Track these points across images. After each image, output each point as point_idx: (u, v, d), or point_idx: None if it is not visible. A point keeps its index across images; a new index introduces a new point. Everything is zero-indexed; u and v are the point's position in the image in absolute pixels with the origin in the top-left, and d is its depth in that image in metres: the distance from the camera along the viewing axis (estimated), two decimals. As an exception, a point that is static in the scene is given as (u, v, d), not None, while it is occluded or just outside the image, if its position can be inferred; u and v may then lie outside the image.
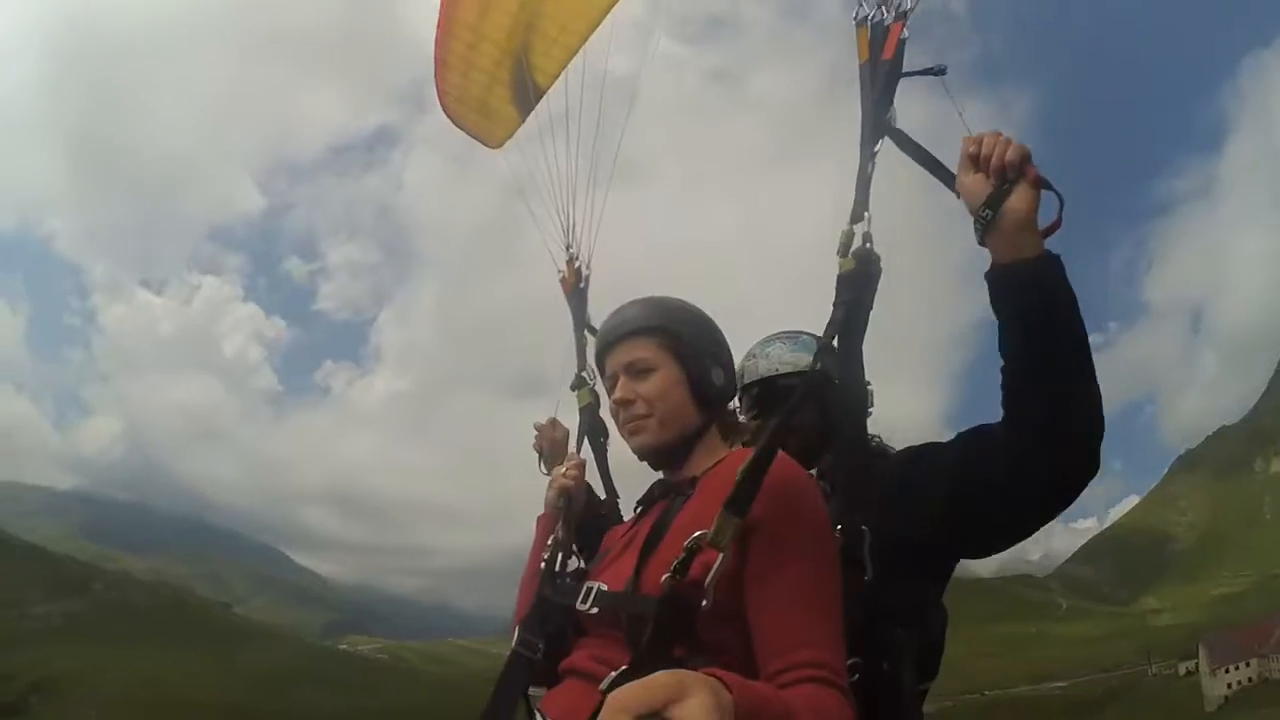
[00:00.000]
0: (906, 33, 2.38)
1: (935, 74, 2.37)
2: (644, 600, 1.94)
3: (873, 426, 2.61)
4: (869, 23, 2.44)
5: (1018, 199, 1.98)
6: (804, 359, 2.74)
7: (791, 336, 2.90)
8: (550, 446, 3.14)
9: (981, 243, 2.05)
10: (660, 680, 1.22)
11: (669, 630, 1.82)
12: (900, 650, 2.17)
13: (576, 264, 3.51)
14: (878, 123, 2.35)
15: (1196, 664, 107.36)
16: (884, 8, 2.41)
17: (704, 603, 1.80)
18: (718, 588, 1.82)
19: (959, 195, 2.19)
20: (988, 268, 2.05)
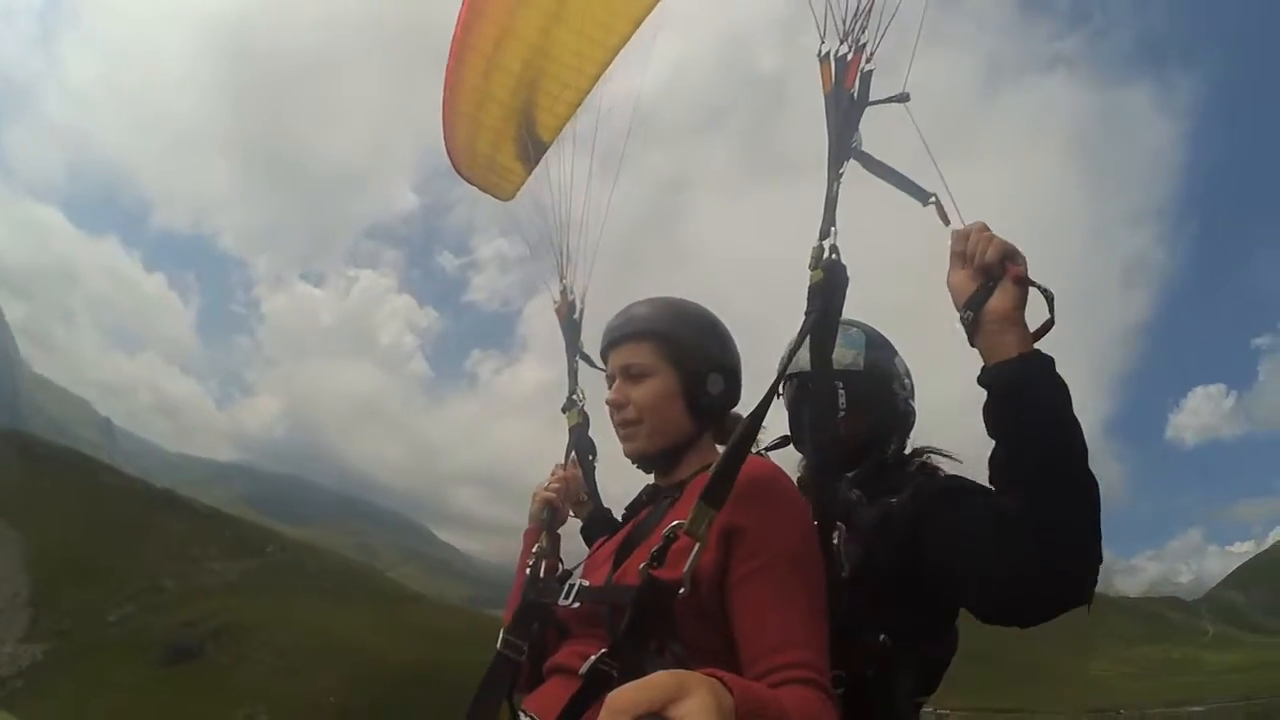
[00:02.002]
0: (872, 65, 2.49)
1: (898, 101, 2.47)
2: (623, 590, 2.02)
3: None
4: (832, 58, 2.55)
5: (998, 298, 1.99)
6: (849, 355, 2.75)
7: (851, 335, 2.85)
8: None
9: (971, 344, 2.05)
10: (660, 680, 1.21)
11: (647, 616, 1.88)
12: (887, 658, 2.23)
13: (570, 296, 3.59)
14: (842, 147, 2.44)
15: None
16: (844, 44, 2.52)
17: (681, 590, 1.85)
18: (700, 586, 1.89)
19: (924, 204, 2.33)
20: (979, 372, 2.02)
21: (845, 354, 2.73)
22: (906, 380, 2.87)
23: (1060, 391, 1.91)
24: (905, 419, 2.84)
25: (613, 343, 2.46)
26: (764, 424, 2.28)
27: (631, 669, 1.76)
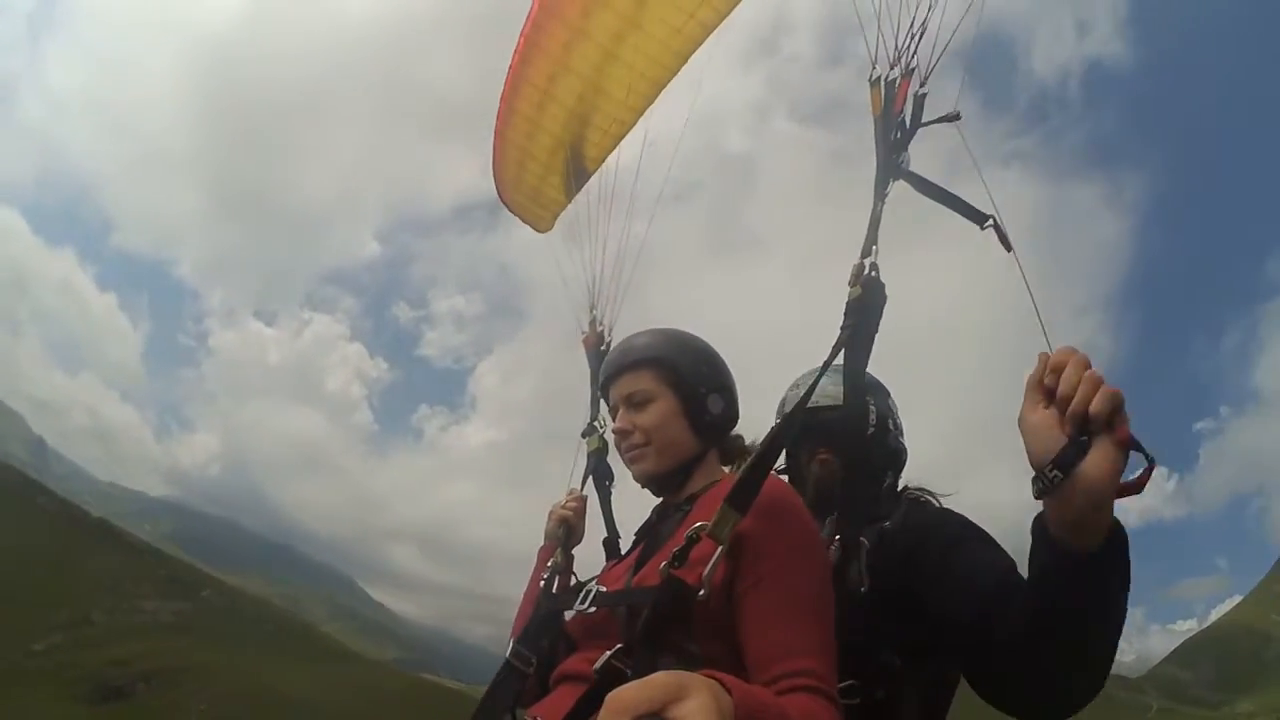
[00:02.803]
0: (925, 89, 2.58)
1: (950, 120, 2.55)
2: (642, 592, 2.05)
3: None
4: (883, 82, 2.65)
5: (1098, 463, 1.61)
6: (838, 392, 2.65)
7: (837, 369, 2.74)
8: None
9: (1038, 498, 1.71)
10: (660, 680, 1.21)
11: (665, 616, 1.87)
12: (897, 679, 2.27)
13: (600, 327, 3.61)
14: (889, 167, 2.51)
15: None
16: (895, 68, 2.62)
17: (700, 592, 1.86)
18: (712, 596, 1.88)
19: (982, 227, 2.33)
20: (1039, 522, 1.77)
21: (839, 390, 2.60)
22: (898, 420, 2.93)
23: (1129, 573, 1.73)
24: (897, 456, 2.88)
25: (612, 376, 2.54)
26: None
27: (645, 668, 1.74)
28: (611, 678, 1.82)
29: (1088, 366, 1.66)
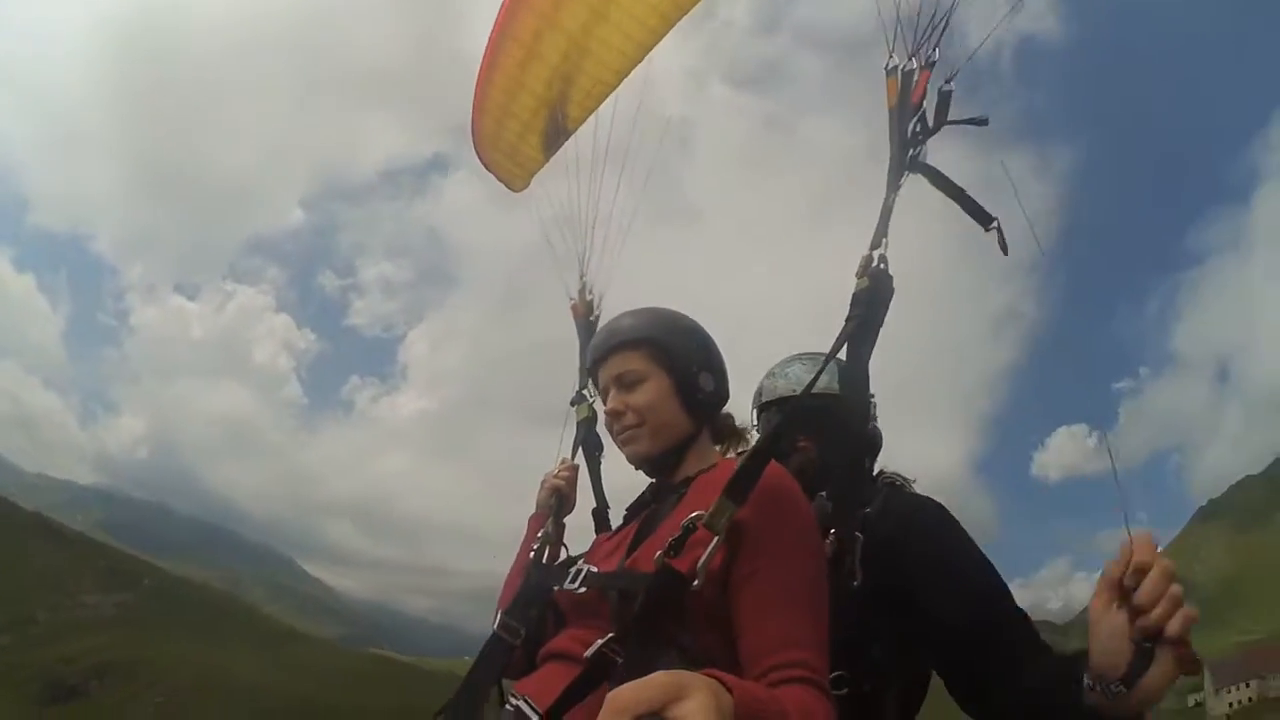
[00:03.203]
0: (952, 85, 2.52)
1: (978, 124, 2.49)
2: (635, 576, 2.01)
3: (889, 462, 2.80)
4: (899, 72, 2.58)
5: (1159, 679, 1.65)
6: (823, 380, 2.59)
7: (813, 357, 2.92)
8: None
9: (1088, 696, 1.77)
10: (660, 680, 1.21)
11: (659, 605, 1.86)
12: (884, 673, 2.29)
13: (589, 296, 3.54)
14: (903, 161, 2.46)
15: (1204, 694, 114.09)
16: (913, 59, 2.55)
17: (695, 582, 1.84)
18: (706, 583, 1.86)
19: (986, 229, 2.35)
20: (1076, 684, 1.79)
21: (821, 380, 2.60)
22: (874, 404, 2.83)
23: None
24: (875, 441, 2.85)
25: (601, 357, 2.47)
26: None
27: (638, 658, 1.78)
28: (603, 664, 1.83)
29: (1172, 578, 1.64)
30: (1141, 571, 1.65)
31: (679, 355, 2.38)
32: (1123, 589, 1.68)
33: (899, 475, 2.68)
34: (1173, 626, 1.60)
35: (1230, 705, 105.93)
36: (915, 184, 2.48)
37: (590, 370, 2.59)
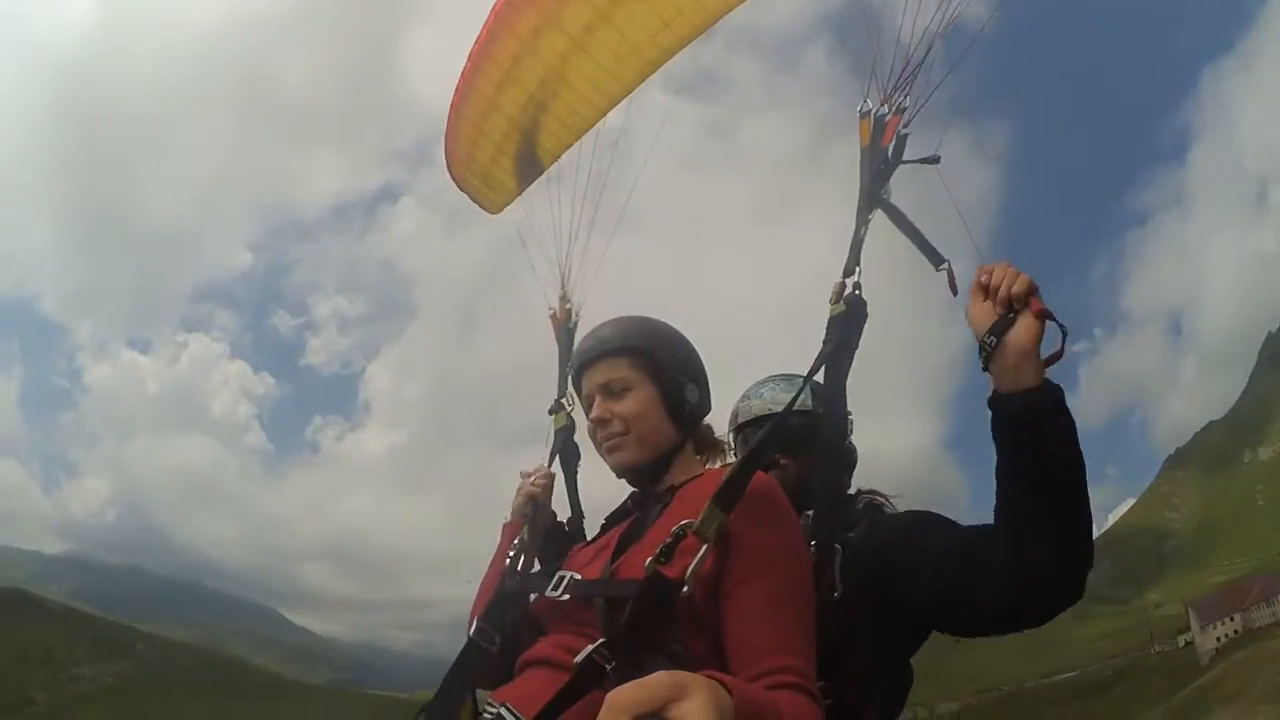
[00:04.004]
0: (909, 129, 2.68)
1: (930, 163, 2.65)
2: (623, 584, 2.00)
3: (867, 475, 2.83)
4: (871, 115, 2.73)
5: (1020, 329, 2.02)
6: (784, 399, 2.81)
7: (785, 378, 3.01)
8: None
9: (985, 369, 2.09)
10: (660, 680, 1.22)
11: (649, 613, 1.85)
12: (865, 685, 2.31)
13: (568, 305, 3.56)
14: (873, 197, 2.61)
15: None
16: (886, 105, 2.71)
17: (684, 589, 1.84)
18: (695, 590, 1.86)
19: (937, 269, 2.45)
20: (990, 395, 2.09)
21: (782, 399, 2.86)
22: (851, 424, 2.86)
23: (1070, 419, 2.04)
24: (850, 458, 2.88)
25: (586, 364, 2.46)
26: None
27: (628, 665, 1.76)
28: (592, 672, 1.81)
29: (1009, 265, 2.13)
30: (990, 271, 2.14)
31: (666, 365, 2.40)
32: (983, 288, 2.15)
33: (879, 493, 2.71)
34: (1016, 287, 2.06)
35: (1217, 640, 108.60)
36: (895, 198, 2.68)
37: (574, 377, 2.56)
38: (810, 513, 2.44)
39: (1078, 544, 2.02)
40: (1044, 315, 2.03)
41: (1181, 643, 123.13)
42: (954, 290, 2.38)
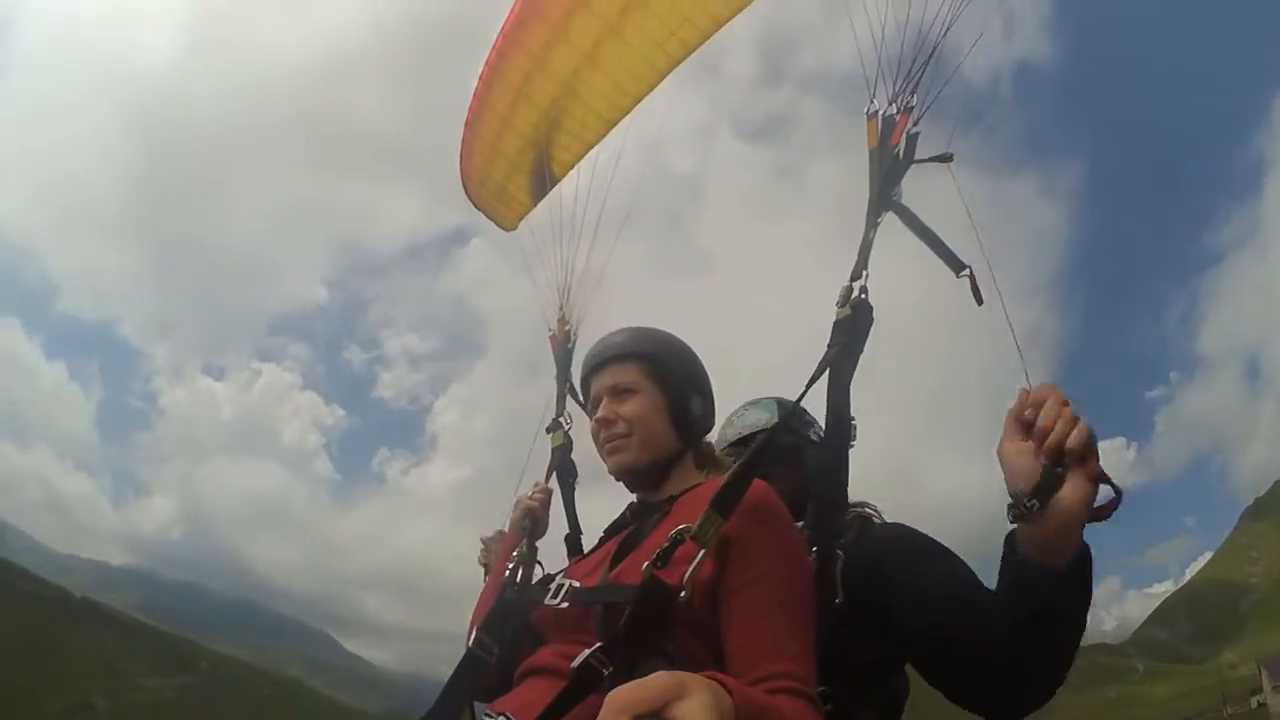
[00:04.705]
0: (919, 128, 2.63)
1: (943, 161, 2.59)
2: (621, 590, 2.00)
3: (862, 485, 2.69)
4: (879, 116, 2.70)
5: (1071, 493, 1.77)
6: (762, 418, 2.96)
7: (761, 401, 3.09)
8: (498, 554, 2.96)
9: (1013, 524, 1.87)
10: (660, 680, 1.23)
11: (646, 616, 1.84)
12: (863, 690, 2.31)
13: (567, 326, 3.63)
14: (882, 199, 2.57)
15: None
16: (893, 105, 2.68)
17: (682, 594, 1.84)
18: (694, 595, 1.86)
19: (958, 275, 2.38)
20: (1011, 542, 1.92)
21: (760, 417, 2.95)
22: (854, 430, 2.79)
23: (1091, 585, 1.88)
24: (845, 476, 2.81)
25: (596, 367, 2.51)
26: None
27: (626, 668, 1.77)
28: (589, 676, 1.80)
29: (1066, 403, 1.84)
30: (1039, 403, 1.86)
31: (673, 374, 2.45)
32: (1025, 424, 1.88)
33: (868, 505, 2.64)
34: (1072, 440, 1.77)
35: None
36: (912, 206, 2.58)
37: (583, 381, 2.61)
38: (800, 523, 2.37)
39: (1052, 681, 1.96)
40: (1100, 478, 1.79)
41: (1255, 704, 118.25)
42: (979, 299, 2.32)
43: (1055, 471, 1.77)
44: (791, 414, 2.43)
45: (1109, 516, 1.81)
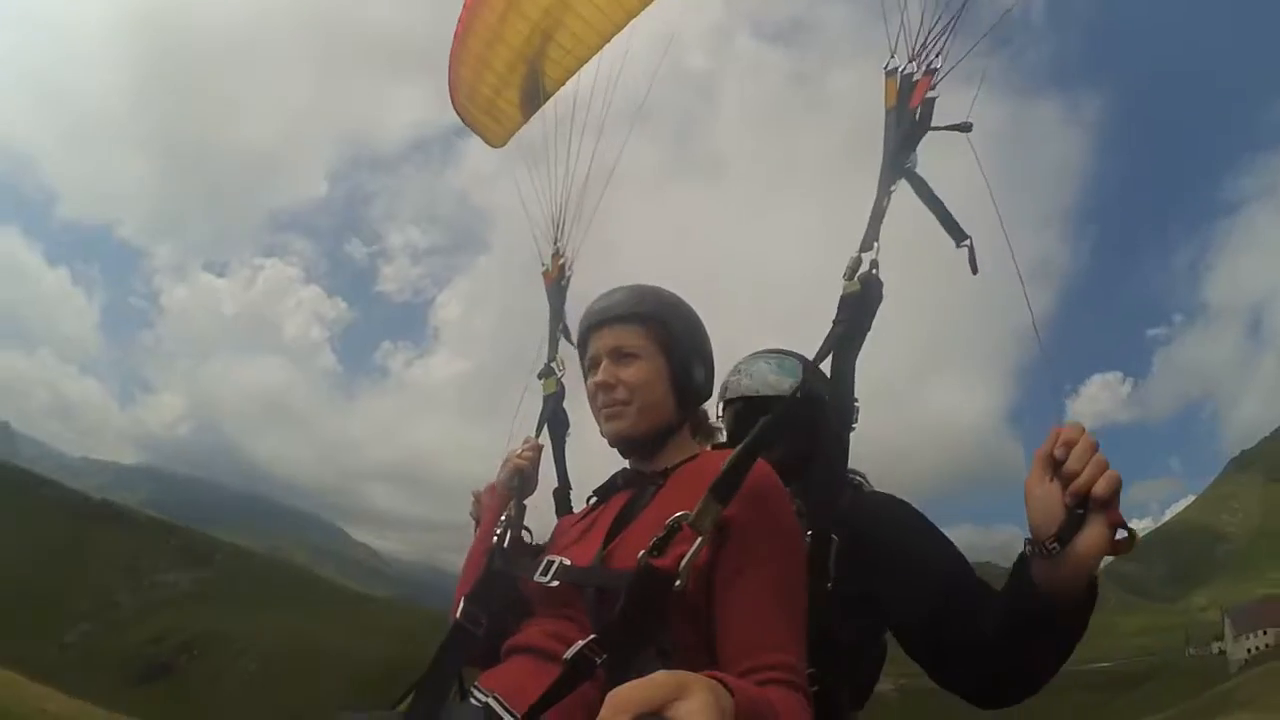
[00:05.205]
0: (937, 92, 2.45)
1: (961, 130, 2.43)
2: (614, 574, 1.93)
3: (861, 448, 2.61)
4: (899, 74, 2.52)
5: (1091, 539, 1.72)
6: (786, 383, 2.63)
7: (777, 357, 2.80)
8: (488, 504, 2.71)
9: (1030, 557, 1.83)
10: (660, 679, 1.20)
11: (641, 605, 1.79)
12: (844, 671, 2.27)
13: (561, 260, 3.36)
14: (896, 165, 2.42)
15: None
16: (914, 63, 2.49)
17: (677, 583, 1.77)
18: (688, 581, 1.79)
19: (958, 245, 2.32)
20: (1022, 565, 1.88)
21: (783, 382, 2.67)
22: (857, 412, 2.64)
23: (1089, 615, 1.87)
24: (847, 448, 2.64)
25: (598, 324, 2.35)
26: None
27: (620, 660, 1.72)
28: (583, 666, 1.74)
29: (1096, 449, 1.76)
30: (1069, 444, 1.77)
31: (679, 340, 2.31)
32: (1054, 463, 1.80)
33: (857, 473, 2.62)
34: (1099, 488, 1.71)
35: (1249, 650, 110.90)
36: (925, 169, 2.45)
37: (580, 337, 2.44)
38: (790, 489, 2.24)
39: (1039, 682, 2.03)
40: (1120, 526, 1.74)
41: (1216, 649, 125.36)
42: (974, 269, 2.34)
43: (1077, 514, 1.74)
44: (794, 396, 2.13)
45: (1120, 553, 1.76)
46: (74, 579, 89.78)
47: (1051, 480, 1.79)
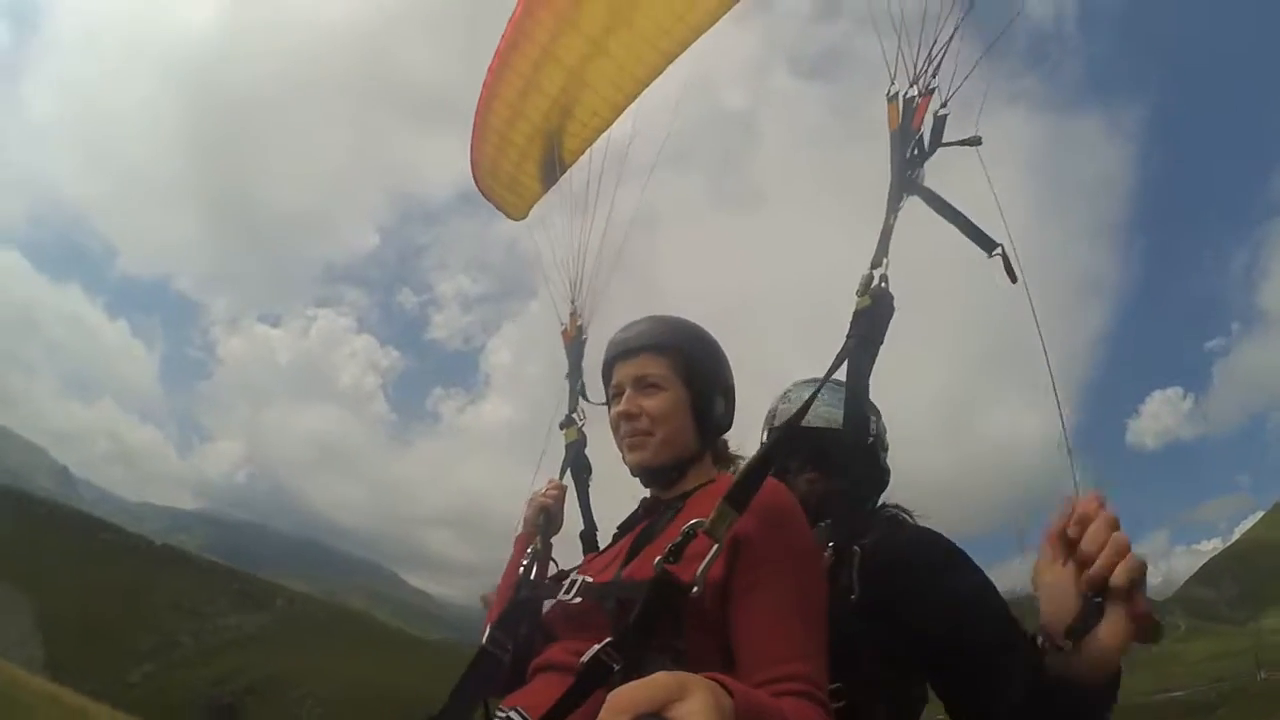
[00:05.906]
0: (947, 109, 2.54)
1: (971, 144, 2.50)
2: (634, 585, 1.98)
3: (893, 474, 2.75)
4: (900, 98, 2.60)
5: (1110, 637, 1.60)
6: (836, 416, 2.53)
7: (832, 387, 2.56)
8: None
9: (1042, 647, 1.73)
10: (661, 680, 1.21)
11: (657, 611, 1.80)
12: (878, 686, 2.21)
13: (579, 320, 3.49)
14: (903, 182, 2.48)
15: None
16: (914, 86, 2.58)
17: (694, 589, 1.79)
18: (705, 592, 1.81)
19: (989, 255, 2.29)
20: (1036, 645, 1.78)
21: (833, 413, 2.58)
22: (886, 440, 2.82)
23: (1116, 694, 1.76)
24: (884, 478, 2.77)
25: (622, 354, 2.41)
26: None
27: (634, 664, 1.72)
28: (598, 671, 1.77)
29: (1115, 526, 1.62)
30: (1084, 522, 1.66)
31: (701, 372, 2.37)
32: (1067, 542, 1.70)
33: (901, 509, 2.59)
34: (1118, 576, 1.57)
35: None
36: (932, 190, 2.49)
37: (604, 368, 2.52)
38: (824, 523, 2.36)
39: None
40: (1145, 619, 1.60)
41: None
42: (1012, 278, 2.26)
43: (1095, 603, 1.60)
44: (803, 414, 2.11)
45: (1146, 643, 1.65)
46: (136, 619, 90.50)
47: (1065, 563, 1.71)
